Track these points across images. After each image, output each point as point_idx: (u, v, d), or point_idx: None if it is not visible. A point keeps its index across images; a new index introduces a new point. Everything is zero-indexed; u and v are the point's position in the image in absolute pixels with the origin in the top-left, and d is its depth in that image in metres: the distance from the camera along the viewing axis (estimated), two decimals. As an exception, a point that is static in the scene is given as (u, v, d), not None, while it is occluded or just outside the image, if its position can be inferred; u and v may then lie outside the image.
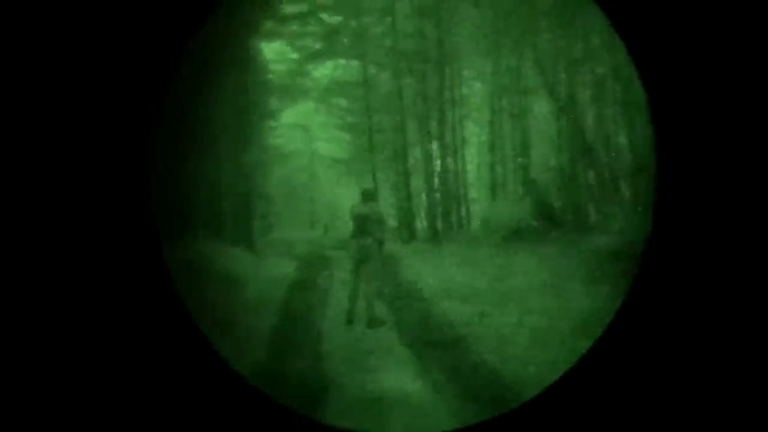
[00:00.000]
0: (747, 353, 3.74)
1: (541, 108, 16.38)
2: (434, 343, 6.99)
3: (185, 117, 15.27)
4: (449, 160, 18.82)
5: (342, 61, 22.78)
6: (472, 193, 21.34)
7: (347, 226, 8.79)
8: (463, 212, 19.39)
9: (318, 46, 21.38)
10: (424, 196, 20.16)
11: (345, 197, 31.30)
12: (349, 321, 7.88)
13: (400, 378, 5.72)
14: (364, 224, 8.03)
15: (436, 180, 19.20)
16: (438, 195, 19.04)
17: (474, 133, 22.76)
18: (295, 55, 22.01)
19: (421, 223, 20.48)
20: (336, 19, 20.47)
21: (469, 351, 6.61)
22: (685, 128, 4.11)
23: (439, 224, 18.70)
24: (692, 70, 4.10)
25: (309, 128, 28.22)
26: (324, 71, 23.35)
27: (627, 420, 3.91)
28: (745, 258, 3.82)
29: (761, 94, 3.89)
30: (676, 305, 3.99)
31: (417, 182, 20.14)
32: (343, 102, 23.65)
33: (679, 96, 4.15)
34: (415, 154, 20.01)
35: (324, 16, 20.34)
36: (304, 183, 31.33)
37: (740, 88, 3.96)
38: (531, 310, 7.96)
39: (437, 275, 10.82)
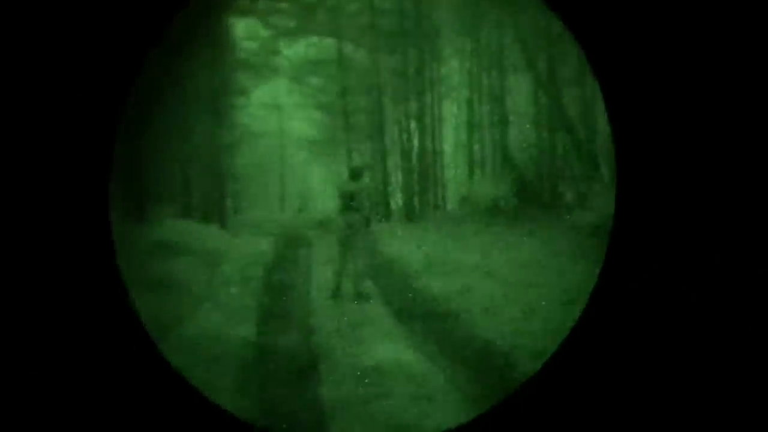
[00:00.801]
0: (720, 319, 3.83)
1: (520, 86, 16.40)
2: (423, 315, 7.05)
3: (156, 95, 15.03)
4: (427, 139, 18.76)
5: (315, 39, 22.43)
6: (450, 172, 21.36)
7: (321, 206, 8.88)
8: (440, 191, 19.42)
9: (292, 23, 21.00)
10: (400, 174, 20.08)
11: (318, 178, 31.15)
12: (335, 296, 7.88)
13: (393, 349, 5.75)
14: (351, 201, 8.06)
15: (414, 159, 19.12)
16: (415, 174, 18.99)
17: (452, 113, 22.69)
18: (267, 32, 21.58)
19: (396, 203, 20.42)
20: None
21: (459, 323, 6.66)
22: (641, 108, 4.16)
23: (416, 203, 18.67)
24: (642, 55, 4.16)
25: (281, 107, 27.80)
26: (298, 49, 22.99)
27: (623, 386, 3.97)
28: (712, 224, 3.91)
29: (714, 75, 3.95)
30: (651, 273, 4.06)
31: (394, 161, 20.07)
32: (316, 81, 23.29)
33: (633, 75, 4.20)
34: (392, 133, 19.89)
35: (298, -8, 20.00)
36: (275, 163, 30.99)
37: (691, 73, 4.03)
38: (515, 284, 8.01)
39: (419, 252, 10.82)
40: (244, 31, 21.59)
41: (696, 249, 3.95)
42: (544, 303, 6.99)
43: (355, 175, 8.34)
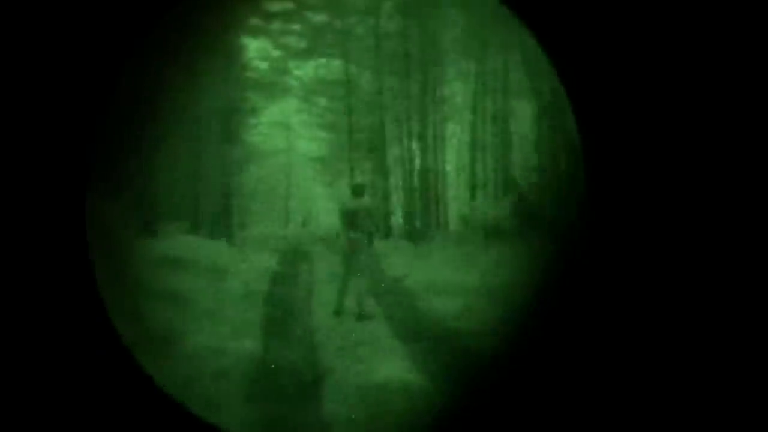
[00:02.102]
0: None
1: (523, 109, 16.55)
2: (426, 335, 7.14)
3: (169, 113, 15.23)
4: (429, 158, 18.97)
5: (324, 60, 22.78)
6: (451, 192, 21.50)
7: (323, 223, 9.06)
8: (442, 211, 19.53)
9: (302, 44, 21.37)
10: (401, 193, 20.27)
11: (321, 195, 31.30)
12: (338, 313, 7.99)
13: (396, 368, 5.84)
14: (354, 219, 8.14)
15: (416, 178, 19.32)
16: (417, 193, 19.18)
17: (455, 133, 22.91)
18: (278, 53, 21.95)
19: (397, 222, 20.54)
20: (321, 18, 20.50)
21: (462, 343, 6.75)
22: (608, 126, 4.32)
23: (418, 222, 18.81)
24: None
25: (290, 126, 28.08)
26: (307, 70, 23.35)
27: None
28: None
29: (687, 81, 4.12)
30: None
31: (395, 180, 20.25)
32: (324, 101, 23.64)
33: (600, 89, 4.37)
34: (394, 152, 20.11)
35: (309, 14, 20.36)
36: (281, 180, 31.20)
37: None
38: (516, 306, 8.10)
39: (421, 271, 10.93)
40: (256, 51, 21.98)
41: (680, 267, 4.09)
42: (546, 326, 7.07)
43: (356, 192, 8.48)
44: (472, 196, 18.53)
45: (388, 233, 18.80)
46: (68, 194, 4.14)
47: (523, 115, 16.37)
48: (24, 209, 3.93)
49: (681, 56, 4.11)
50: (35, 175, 3.96)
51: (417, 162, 19.24)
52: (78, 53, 4.13)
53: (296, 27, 20.55)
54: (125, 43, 4.51)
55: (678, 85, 4.13)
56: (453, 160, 23.33)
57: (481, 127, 18.42)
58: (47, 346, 3.91)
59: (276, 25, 20.34)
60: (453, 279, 9.88)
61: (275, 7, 19.08)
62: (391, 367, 5.87)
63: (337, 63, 21.60)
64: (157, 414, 4.39)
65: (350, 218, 8.17)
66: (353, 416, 4.86)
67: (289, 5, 19.44)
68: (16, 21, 3.89)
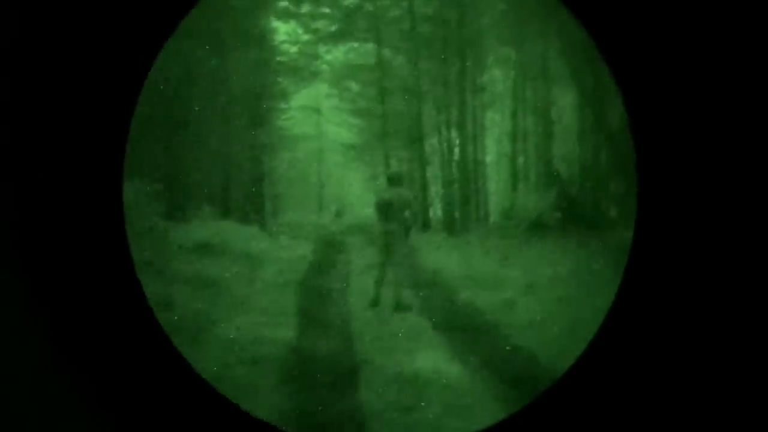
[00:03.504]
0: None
1: (565, 98, 16.19)
2: (464, 327, 6.96)
3: (198, 96, 15.22)
4: (468, 148, 18.57)
5: (355, 44, 22.47)
6: (491, 184, 21.19)
7: (358, 212, 8.79)
8: (482, 203, 19.22)
9: (332, 28, 21.11)
10: (440, 184, 19.96)
11: (354, 183, 31.25)
12: (374, 304, 7.81)
13: (433, 359, 5.70)
14: (390, 209, 7.81)
15: (454, 169, 18.93)
16: (456, 184, 18.81)
17: (495, 122, 22.52)
18: (307, 36, 21.73)
19: (435, 214, 20.27)
20: (352, 1, 20.19)
21: (501, 337, 6.57)
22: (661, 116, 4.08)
23: (457, 214, 18.50)
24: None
25: (320, 111, 27.96)
26: (337, 54, 23.10)
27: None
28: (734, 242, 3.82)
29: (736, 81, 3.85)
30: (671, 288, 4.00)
31: (433, 170, 19.96)
32: (355, 86, 23.33)
33: (653, 82, 4.12)
34: (432, 141, 19.77)
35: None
36: (313, 167, 31.21)
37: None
38: (557, 300, 7.87)
39: (459, 264, 10.73)
40: (286, 34, 21.82)
41: (720, 257, 3.86)
42: (585, 320, 6.85)
43: (393, 182, 8.04)
44: (513, 188, 18.19)
45: (426, 225, 18.58)
46: (106, 179, 4.07)
47: (565, 104, 16.04)
48: (62, 195, 3.86)
49: (741, 39, 3.84)
50: (73, 161, 3.89)
51: (456, 152, 18.86)
52: (119, 35, 4.04)
53: (326, 10, 20.32)
54: (167, 25, 4.42)
55: (736, 71, 3.86)
56: (493, 150, 22.97)
57: (522, 117, 18.03)
58: (86, 332, 3.85)
59: (306, 8, 20.16)
60: (493, 272, 9.68)
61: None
62: (427, 357, 5.73)
63: (369, 47, 21.30)
64: (193, 400, 4.32)
65: (386, 209, 7.83)
66: (388, 407, 4.71)
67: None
68: (57, 4, 3.80)
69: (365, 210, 23.38)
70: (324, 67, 23.03)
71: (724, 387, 3.75)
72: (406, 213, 7.93)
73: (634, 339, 4.11)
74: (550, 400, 4.48)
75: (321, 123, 29.78)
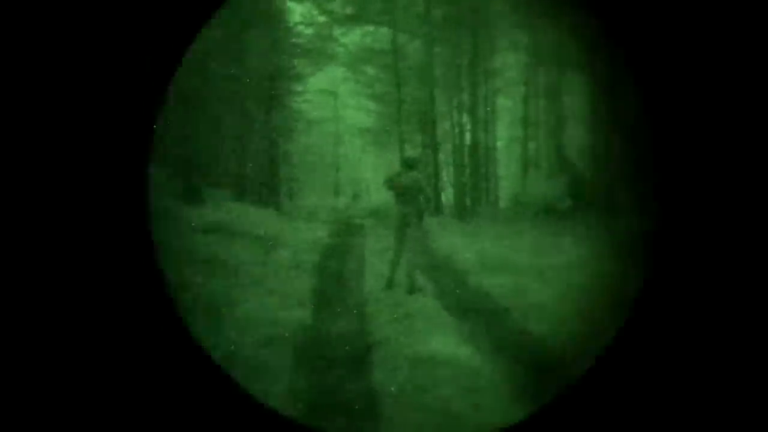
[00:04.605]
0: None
1: (577, 83, 16.11)
2: (476, 311, 7.10)
3: (212, 77, 15.27)
4: (480, 133, 18.59)
5: (371, 28, 22.35)
6: (502, 169, 21.15)
7: (374, 196, 8.87)
8: (493, 188, 19.25)
9: (348, 10, 20.99)
10: (452, 169, 19.99)
11: (370, 167, 31.31)
12: (389, 286, 7.97)
13: (446, 341, 5.81)
14: (405, 193, 7.96)
15: (466, 154, 18.98)
16: (467, 169, 18.85)
17: (506, 108, 22.43)
18: (323, 19, 21.60)
19: (447, 198, 20.30)
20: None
21: (512, 320, 6.70)
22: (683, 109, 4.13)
23: (467, 199, 18.57)
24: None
25: (337, 95, 27.94)
26: (353, 37, 22.99)
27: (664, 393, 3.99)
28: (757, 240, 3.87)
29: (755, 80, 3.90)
30: (697, 281, 4.06)
31: (445, 155, 19.97)
32: (371, 70, 23.26)
33: (674, 80, 4.16)
34: (444, 126, 19.76)
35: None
36: (329, 150, 31.23)
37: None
38: (567, 286, 7.99)
39: (471, 249, 10.85)
40: (301, 16, 21.71)
41: (745, 252, 3.92)
42: (595, 305, 6.97)
43: (407, 166, 8.12)
44: (524, 174, 18.21)
45: (438, 209, 18.66)
46: (130, 164, 4.17)
47: (577, 90, 15.96)
48: (85, 180, 3.96)
49: (755, 21, 3.90)
50: (98, 146, 4.00)
51: (467, 137, 18.89)
52: (156, 21, 4.14)
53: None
54: (203, 15, 4.52)
55: (751, 54, 3.92)
56: (504, 135, 22.90)
57: (534, 102, 17.98)
58: (103, 313, 3.96)
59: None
60: (504, 257, 9.79)
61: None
62: (440, 340, 5.84)
63: (384, 31, 21.21)
64: (206, 381, 4.43)
65: (401, 192, 8.00)
66: (402, 387, 4.84)
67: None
68: None
69: (381, 194, 23.45)
70: (340, 50, 22.91)
71: (744, 380, 3.81)
72: (421, 197, 8.07)
73: (655, 334, 4.17)
74: (571, 397, 4.57)
75: (338, 107, 29.78)
